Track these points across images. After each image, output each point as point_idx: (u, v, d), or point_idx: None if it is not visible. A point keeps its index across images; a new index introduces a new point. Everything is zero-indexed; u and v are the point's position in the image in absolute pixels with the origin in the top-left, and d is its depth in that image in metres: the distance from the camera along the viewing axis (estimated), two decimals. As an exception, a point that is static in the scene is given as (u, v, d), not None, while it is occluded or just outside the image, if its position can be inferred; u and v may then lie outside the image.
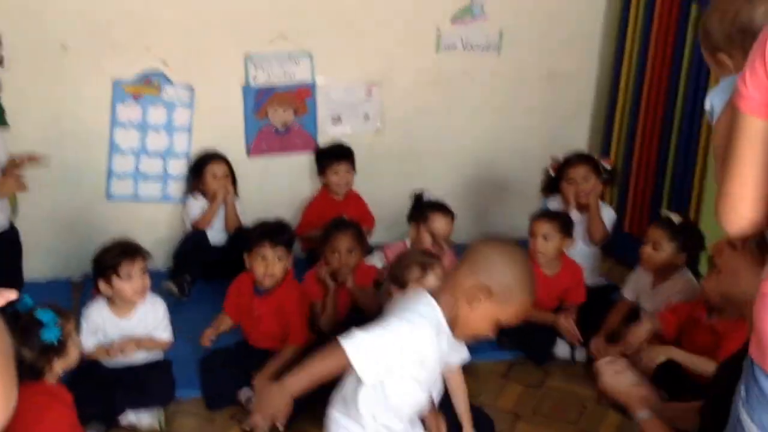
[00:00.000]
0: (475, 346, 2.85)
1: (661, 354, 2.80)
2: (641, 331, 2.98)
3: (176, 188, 3.94)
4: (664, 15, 3.78)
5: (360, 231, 3.29)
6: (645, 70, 3.94)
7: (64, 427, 2.20)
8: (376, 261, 3.43)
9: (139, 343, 2.85)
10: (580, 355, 3.28)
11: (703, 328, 2.82)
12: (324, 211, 3.77)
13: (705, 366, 2.65)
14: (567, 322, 3.26)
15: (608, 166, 3.71)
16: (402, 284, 2.66)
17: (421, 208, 3.40)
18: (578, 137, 4.38)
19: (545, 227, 3.33)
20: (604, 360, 2.33)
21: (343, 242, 3.19)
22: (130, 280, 2.79)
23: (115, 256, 2.79)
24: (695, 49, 3.55)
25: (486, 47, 4.15)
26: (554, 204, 3.68)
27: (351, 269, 3.19)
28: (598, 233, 3.58)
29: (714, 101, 1.69)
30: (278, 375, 2.79)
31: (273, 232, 3.03)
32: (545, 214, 3.42)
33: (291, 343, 3.00)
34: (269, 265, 2.97)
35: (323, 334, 3.05)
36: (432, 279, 2.63)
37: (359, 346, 1.84)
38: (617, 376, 2.22)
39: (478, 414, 2.71)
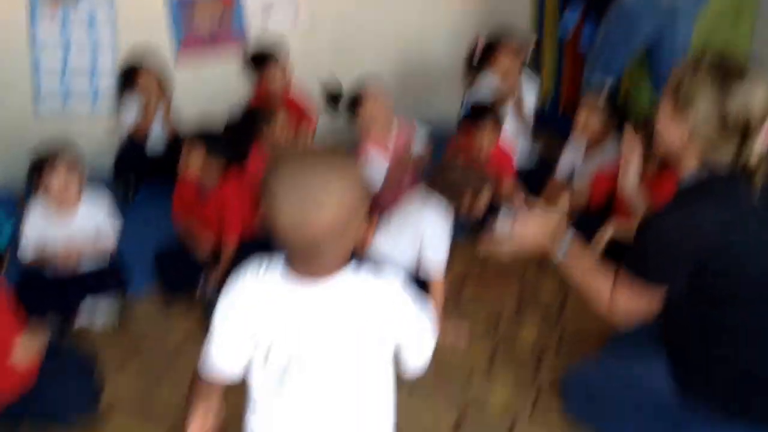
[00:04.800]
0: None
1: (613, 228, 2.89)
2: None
3: (106, 99, 3.88)
4: None
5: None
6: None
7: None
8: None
9: (81, 251, 2.84)
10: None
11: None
12: (265, 104, 3.69)
13: None
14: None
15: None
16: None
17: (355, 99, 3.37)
18: (514, 19, 4.38)
19: (486, 138, 3.38)
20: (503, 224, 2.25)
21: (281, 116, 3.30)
22: (56, 174, 2.75)
23: (41, 154, 2.78)
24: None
25: None
26: (488, 79, 3.72)
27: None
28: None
29: None
30: (227, 271, 2.87)
31: (202, 136, 3.00)
32: (484, 123, 3.42)
33: (226, 234, 3.00)
34: (197, 167, 2.97)
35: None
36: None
37: None
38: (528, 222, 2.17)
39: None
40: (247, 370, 1.40)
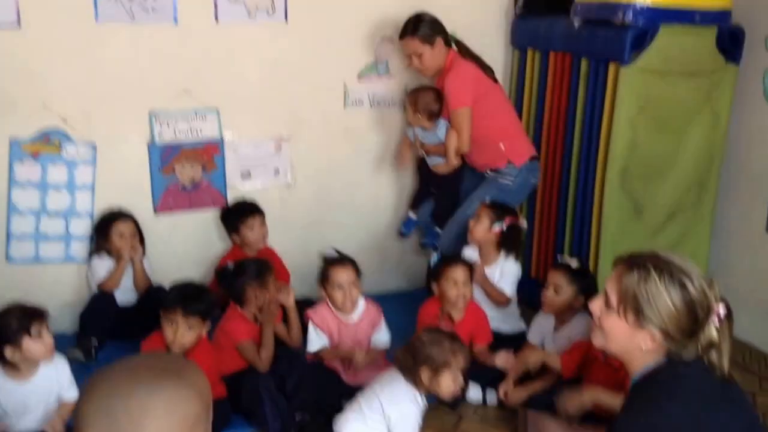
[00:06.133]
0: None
1: (588, 397, 2.88)
2: (529, 357, 3.22)
3: (80, 249, 3.83)
4: (557, 69, 3.99)
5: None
6: (542, 124, 4.14)
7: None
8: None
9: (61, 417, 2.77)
10: (491, 398, 3.34)
11: (600, 364, 2.95)
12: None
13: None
14: (502, 359, 3.36)
15: (503, 227, 3.71)
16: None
17: (322, 269, 3.40)
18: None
19: (462, 274, 3.41)
20: None
21: (272, 277, 3.30)
22: (41, 339, 2.69)
23: (22, 318, 2.68)
24: (587, 102, 3.77)
25: (392, 102, 4.27)
26: (469, 251, 3.78)
27: (277, 305, 3.29)
28: (497, 301, 3.73)
29: None
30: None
31: (188, 298, 2.96)
32: (460, 262, 3.50)
33: None
34: (178, 333, 2.92)
35: (238, 384, 3.07)
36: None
37: None
38: None
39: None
40: None
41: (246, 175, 4.07)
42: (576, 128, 3.87)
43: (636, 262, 1.89)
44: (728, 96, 3.76)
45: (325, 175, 4.23)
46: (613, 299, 1.90)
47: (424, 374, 2.70)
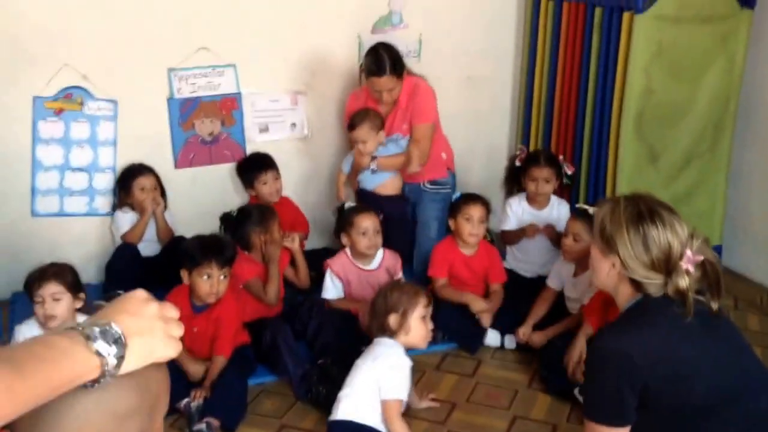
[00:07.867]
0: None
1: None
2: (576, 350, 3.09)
3: (103, 202, 3.92)
4: (570, 18, 3.99)
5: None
6: (556, 72, 4.15)
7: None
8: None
9: None
10: (510, 342, 3.40)
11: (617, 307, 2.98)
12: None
13: None
14: (478, 305, 3.43)
15: (569, 171, 3.80)
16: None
17: (346, 216, 3.46)
18: (498, 138, 4.56)
19: (478, 212, 3.50)
20: None
21: (276, 223, 3.39)
22: (42, 304, 2.74)
23: (30, 280, 2.79)
24: (601, 50, 3.77)
25: (406, 54, 4.27)
26: (516, 202, 3.85)
27: (280, 245, 3.39)
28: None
29: None
30: (213, 385, 2.88)
31: (218, 250, 3.01)
32: (478, 200, 3.58)
33: (217, 354, 2.97)
34: (214, 284, 2.96)
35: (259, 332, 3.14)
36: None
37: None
38: None
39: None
40: None
41: (264, 128, 4.13)
42: (590, 76, 3.87)
43: (614, 198, 2.04)
44: (743, 41, 3.73)
45: (340, 128, 4.25)
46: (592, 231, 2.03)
47: (392, 320, 2.64)
